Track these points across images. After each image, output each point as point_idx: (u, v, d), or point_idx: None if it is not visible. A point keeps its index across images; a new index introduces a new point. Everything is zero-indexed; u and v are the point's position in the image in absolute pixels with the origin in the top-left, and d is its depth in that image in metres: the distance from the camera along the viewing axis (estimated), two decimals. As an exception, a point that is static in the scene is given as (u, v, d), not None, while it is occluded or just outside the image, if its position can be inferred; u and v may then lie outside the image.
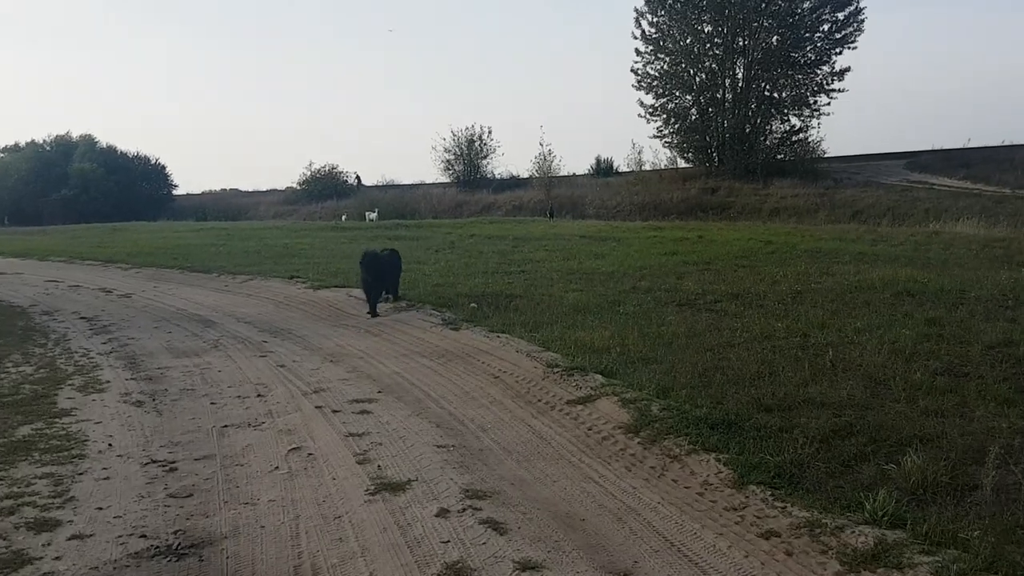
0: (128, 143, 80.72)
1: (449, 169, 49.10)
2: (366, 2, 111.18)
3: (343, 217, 40.64)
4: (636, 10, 40.86)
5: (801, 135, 38.56)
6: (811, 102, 37.90)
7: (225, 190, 64.23)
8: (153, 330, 9.98)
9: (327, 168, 51.83)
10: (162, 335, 9.60)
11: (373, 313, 10.64)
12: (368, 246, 13.23)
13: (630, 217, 35.19)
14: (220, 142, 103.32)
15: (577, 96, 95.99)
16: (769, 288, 10.86)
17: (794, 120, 38.67)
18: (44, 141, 55.51)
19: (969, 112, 77.28)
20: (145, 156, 59.54)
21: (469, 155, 48.76)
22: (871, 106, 79.17)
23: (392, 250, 12.13)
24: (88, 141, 56.33)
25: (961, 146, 37.06)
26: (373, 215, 38.18)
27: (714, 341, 7.65)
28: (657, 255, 16.25)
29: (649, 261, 14.93)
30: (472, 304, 10.58)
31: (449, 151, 48.80)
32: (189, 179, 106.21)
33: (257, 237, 24.51)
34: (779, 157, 38.90)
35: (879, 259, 14.03)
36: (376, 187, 51.87)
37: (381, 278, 11.06)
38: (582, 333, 8.20)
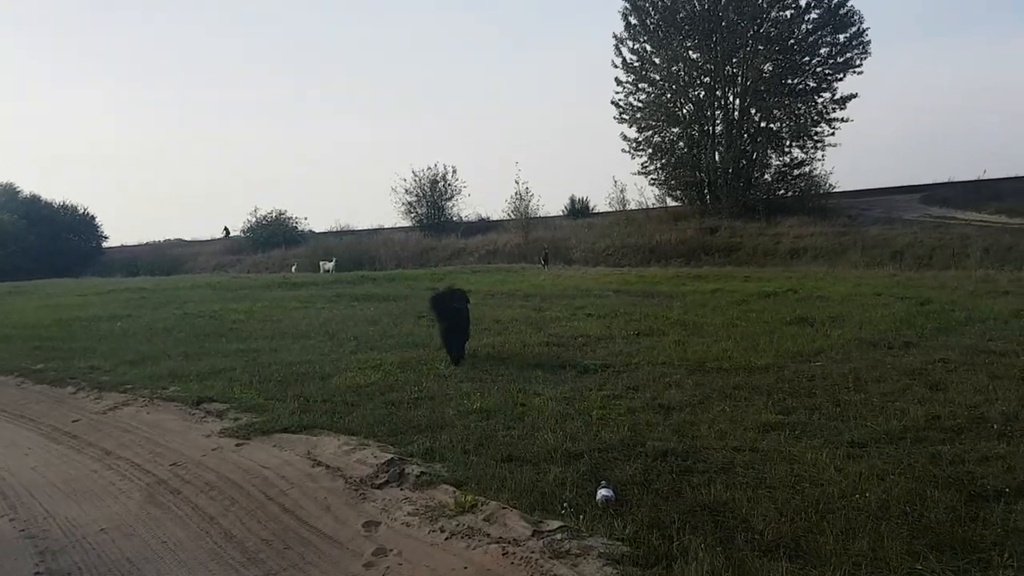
0: (56, 192, 72.35)
1: (411, 212, 42.84)
2: (315, 32, 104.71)
3: (292, 268, 33.85)
4: (615, 36, 35.76)
5: (805, 168, 33.40)
6: (812, 133, 32.87)
7: (167, 240, 56.71)
8: None
9: (274, 214, 45.01)
10: None
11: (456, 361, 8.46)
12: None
13: (624, 262, 29.55)
14: (162, 190, 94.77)
15: (541, 132, 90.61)
16: None
17: (796, 152, 33.58)
18: (-39, 191, 47.26)
19: (979, 141, 71.92)
20: (72, 206, 52.13)
21: (432, 197, 42.65)
22: (870, 137, 72.90)
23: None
24: (8, 191, 48.32)
25: (977, 177, 32.50)
26: (329, 265, 31.50)
27: None
28: (782, 324, 10.23)
29: (801, 340, 8.80)
30: (603, 492, 4.24)
31: (410, 192, 42.62)
32: (126, 229, 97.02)
33: (179, 301, 17.60)
34: (780, 193, 33.70)
35: None
36: (331, 233, 45.08)
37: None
38: None
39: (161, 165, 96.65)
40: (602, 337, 10.06)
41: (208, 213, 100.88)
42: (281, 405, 6.75)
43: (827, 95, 32.47)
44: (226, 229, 53.38)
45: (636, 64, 35.56)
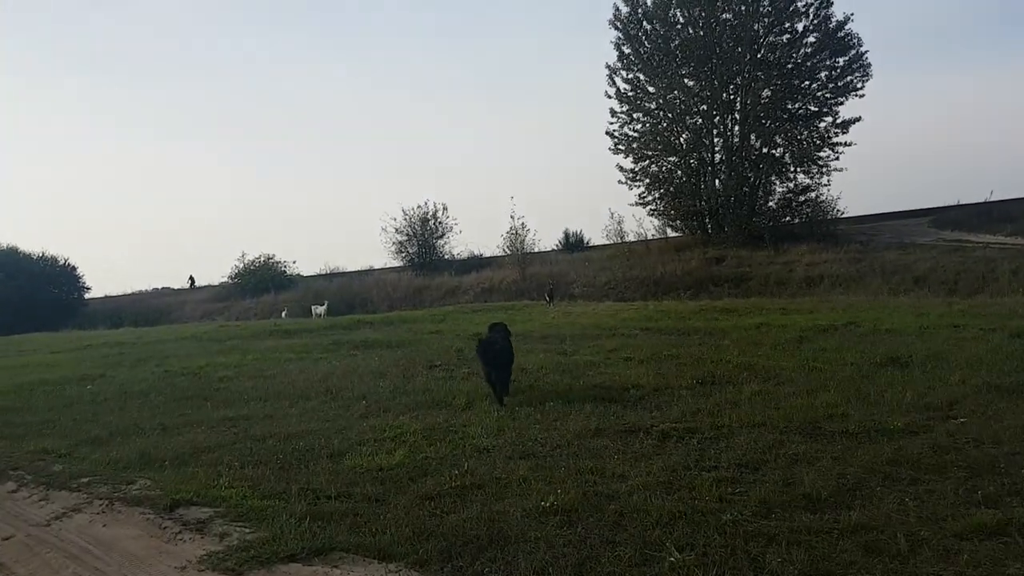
0: (37, 243, 70.24)
1: (402, 251, 41.16)
2: (301, 75, 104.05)
3: (283, 313, 31.95)
4: (608, 66, 34.66)
5: (811, 194, 32.13)
6: (816, 158, 31.69)
7: (155, 289, 54.69)
8: None
9: (262, 259, 43.19)
10: None
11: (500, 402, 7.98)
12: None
13: (628, 295, 28.00)
14: (145, 238, 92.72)
15: (529, 166, 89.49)
16: None
17: (801, 178, 32.34)
18: (-65, 244, 45.34)
19: (982, 162, 70.74)
20: (52, 257, 50.07)
21: (423, 235, 40.99)
22: (872, 160, 71.21)
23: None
24: (-15, 243, 46.45)
25: (984, 199, 31.33)
26: (321, 309, 29.65)
27: None
28: (873, 367, 8.54)
29: (916, 388, 7.13)
30: None
31: (401, 232, 40.96)
32: (110, 279, 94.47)
33: (160, 356, 15.72)
34: (786, 219, 32.35)
35: None
36: (320, 276, 43.27)
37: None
38: None
39: (145, 213, 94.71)
40: (659, 388, 8.35)
41: (194, 260, 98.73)
42: (284, 507, 4.97)
43: (828, 119, 31.40)
44: (191, 278, 51.67)
45: (630, 94, 34.45)
